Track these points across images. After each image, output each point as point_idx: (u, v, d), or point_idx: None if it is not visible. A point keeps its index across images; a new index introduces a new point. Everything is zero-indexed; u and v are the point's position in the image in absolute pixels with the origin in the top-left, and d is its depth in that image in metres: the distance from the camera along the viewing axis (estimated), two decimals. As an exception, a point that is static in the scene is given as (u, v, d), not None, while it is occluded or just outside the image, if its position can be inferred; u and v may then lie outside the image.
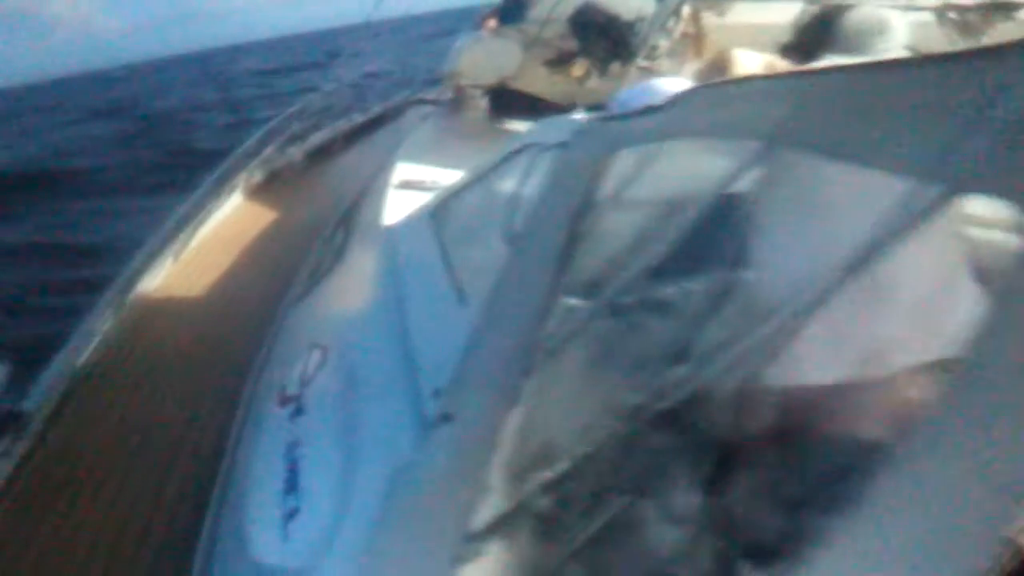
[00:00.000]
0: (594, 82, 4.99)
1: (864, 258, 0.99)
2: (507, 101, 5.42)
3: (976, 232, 1.26)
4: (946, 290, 1.27)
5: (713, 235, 1.36)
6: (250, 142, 6.50)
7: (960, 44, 2.98)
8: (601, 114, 2.10)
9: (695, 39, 4.75)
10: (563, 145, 1.96)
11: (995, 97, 0.83)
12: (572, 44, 5.33)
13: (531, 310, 1.59)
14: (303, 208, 5.82)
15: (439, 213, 3.03)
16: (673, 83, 2.13)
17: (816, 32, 2.32)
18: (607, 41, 5.09)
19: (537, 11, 6.14)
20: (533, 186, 2.13)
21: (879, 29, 2.16)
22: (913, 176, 0.94)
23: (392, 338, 2.45)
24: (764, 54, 2.17)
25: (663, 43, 4.79)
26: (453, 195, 3.06)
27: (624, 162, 1.65)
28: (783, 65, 2.20)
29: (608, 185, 1.66)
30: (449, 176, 3.93)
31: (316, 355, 2.71)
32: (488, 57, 5.83)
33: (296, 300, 3.77)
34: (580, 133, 1.93)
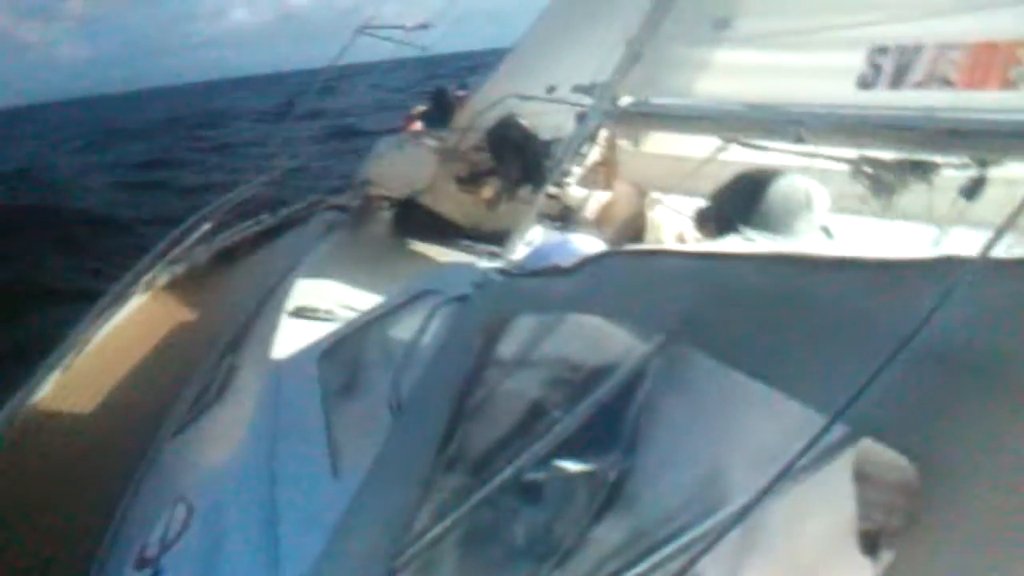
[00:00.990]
0: (502, 207, 4.69)
1: (748, 494, 0.91)
2: (413, 217, 5.09)
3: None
4: (831, 555, 1.07)
5: (602, 429, 1.31)
6: (169, 236, 6.19)
7: (872, 203, 2.72)
8: (505, 267, 2.09)
9: (607, 167, 4.48)
10: (462, 299, 1.92)
11: (916, 318, 0.79)
12: (487, 159, 5.06)
13: (405, 499, 1.51)
14: (203, 317, 5.52)
15: (328, 358, 2.89)
16: (588, 243, 2.18)
17: (737, 201, 2.10)
18: (521, 161, 4.81)
19: (462, 118, 5.93)
20: (425, 344, 2.08)
21: (805, 204, 1.98)
22: (815, 406, 0.88)
23: (260, 505, 2.29)
24: (678, 221, 2.09)
25: (576, 169, 4.50)
26: (344, 339, 2.92)
27: (521, 328, 1.61)
28: (695, 236, 2.17)
29: (502, 353, 1.60)
30: (347, 302, 3.84)
31: (180, 512, 2.57)
32: (400, 166, 5.55)
33: (172, 435, 3.50)
34: (481, 288, 1.86)
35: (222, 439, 3.08)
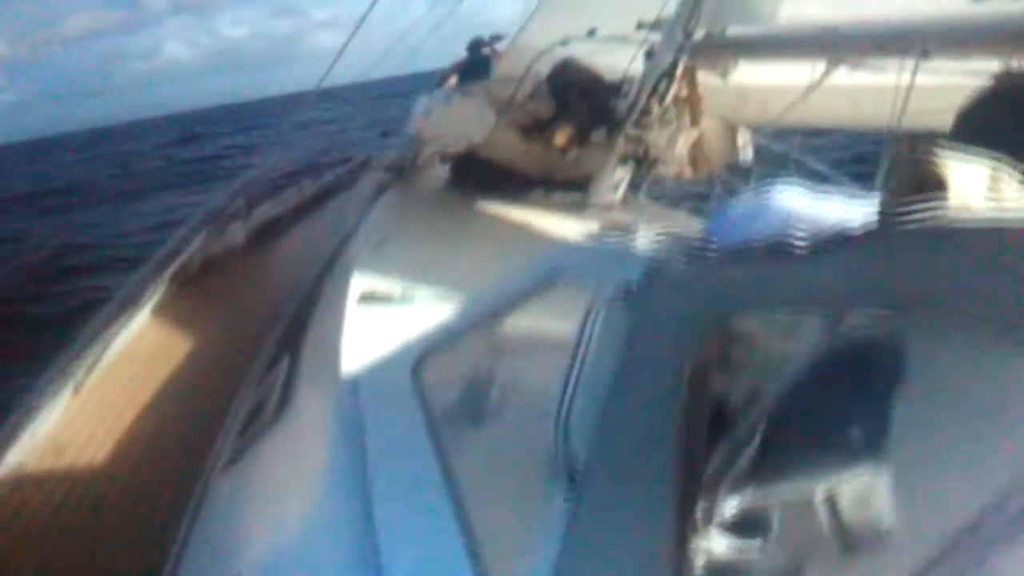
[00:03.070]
0: (575, 153, 4.37)
1: None
2: (476, 172, 4.77)
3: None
4: None
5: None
6: (184, 228, 5.52)
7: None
8: (689, 247, 1.36)
9: (691, 104, 4.15)
10: (628, 296, 1.34)
11: None
12: (548, 108, 4.74)
13: None
14: (244, 310, 4.64)
15: (426, 367, 2.08)
16: (798, 199, 1.48)
17: None
18: (590, 105, 4.50)
19: (504, 68, 5.61)
20: (590, 360, 1.42)
21: None
22: None
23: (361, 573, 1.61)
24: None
25: (655, 108, 4.18)
26: (443, 343, 2.17)
27: (753, 328, 1.14)
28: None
29: (735, 372, 1.14)
30: (423, 278, 3.15)
31: None
32: (455, 120, 5.19)
33: (220, 470, 2.71)
34: (665, 276, 1.30)
35: (290, 477, 2.31)
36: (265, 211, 6.18)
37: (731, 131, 4.16)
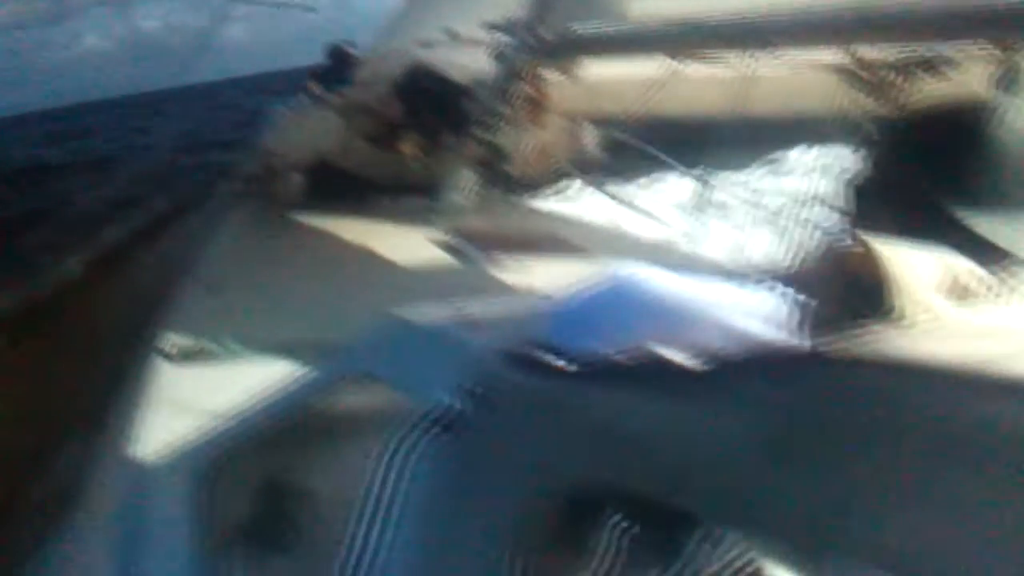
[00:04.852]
0: (424, 160, 4.28)
1: None
2: (326, 183, 4.59)
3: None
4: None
5: None
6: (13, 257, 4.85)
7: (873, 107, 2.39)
8: (531, 355, 1.06)
9: (538, 103, 4.10)
10: (451, 421, 1.08)
11: None
12: (397, 113, 4.63)
13: None
14: (64, 358, 3.93)
15: (208, 471, 1.63)
16: (664, 278, 1.11)
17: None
18: (439, 109, 4.41)
19: (363, 74, 5.50)
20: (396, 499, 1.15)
21: None
22: None
23: None
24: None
25: (503, 109, 4.10)
26: (230, 448, 1.67)
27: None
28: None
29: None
30: (267, 323, 2.70)
31: None
32: (303, 131, 5.05)
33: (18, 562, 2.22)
34: (491, 398, 1.04)
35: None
36: (108, 236, 5.62)
37: (579, 127, 4.16)
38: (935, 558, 0.61)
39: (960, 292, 0.79)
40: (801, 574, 0.82)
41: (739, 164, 3.64)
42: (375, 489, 1.12)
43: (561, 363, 0.97)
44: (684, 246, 3.20)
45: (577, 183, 4.09)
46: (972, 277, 0.81)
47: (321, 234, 4.02)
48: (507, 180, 4.10)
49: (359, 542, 1.11)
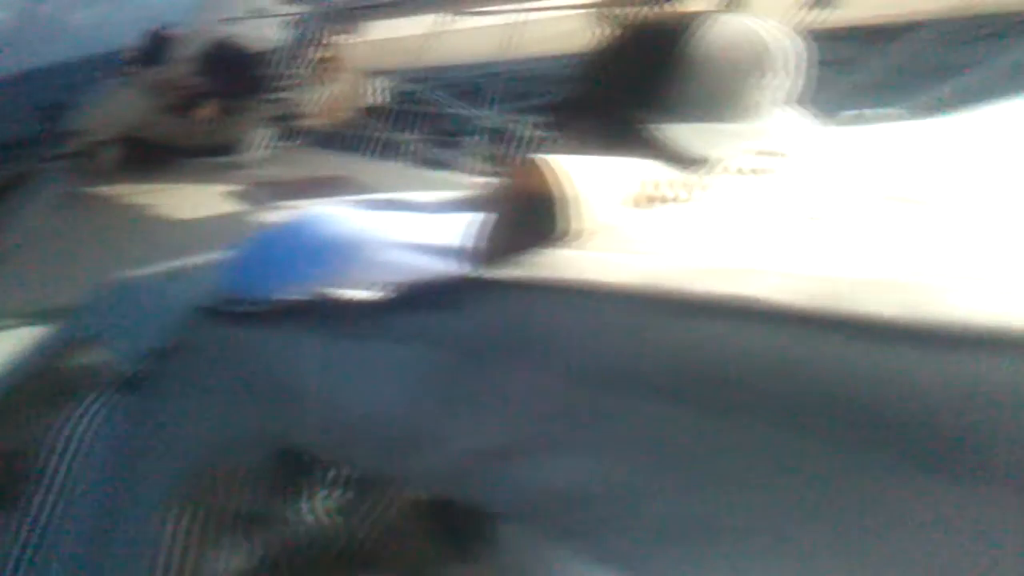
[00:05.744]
0: (225, 122, 4.49)
1: None
2: (136, 155, 4.74)
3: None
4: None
5: None
6: None
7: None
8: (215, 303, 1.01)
9: (330, 63, 4.40)
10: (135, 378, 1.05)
11: None
12: (199, 85, 4.82)
13: None
14: None
15: None
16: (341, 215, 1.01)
17: (631, 71, 1.19)
18: (237, 75, 4.64)
19: (173, 52, 5.62)
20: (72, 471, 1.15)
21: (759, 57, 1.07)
22: None
23: None
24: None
25: (301, 72, 4.39)
26: None
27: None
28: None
29: None
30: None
31: None
32: (108, 109, 5.14)
33: None
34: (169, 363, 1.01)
35: None
36: None
37: (368, 81, 4.48)
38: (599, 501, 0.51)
39: (647, 202, 0.71)
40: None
41: (504, 105, 4.00)
42: (56, 453, 1.09)
43: (236, 311, 0.91)
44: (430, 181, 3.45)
45: (366, 130, 4.42)
46: (662, 185, 0.73)
47: (120, 203, 4.15)
48: (302, 133, 4.42)
49: (35, 508, 1.09)
